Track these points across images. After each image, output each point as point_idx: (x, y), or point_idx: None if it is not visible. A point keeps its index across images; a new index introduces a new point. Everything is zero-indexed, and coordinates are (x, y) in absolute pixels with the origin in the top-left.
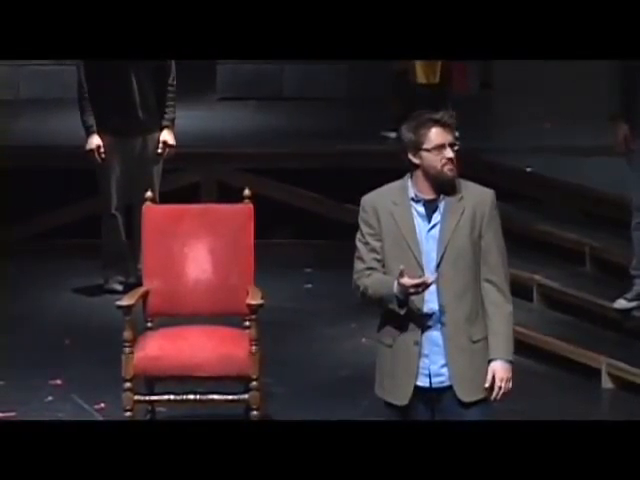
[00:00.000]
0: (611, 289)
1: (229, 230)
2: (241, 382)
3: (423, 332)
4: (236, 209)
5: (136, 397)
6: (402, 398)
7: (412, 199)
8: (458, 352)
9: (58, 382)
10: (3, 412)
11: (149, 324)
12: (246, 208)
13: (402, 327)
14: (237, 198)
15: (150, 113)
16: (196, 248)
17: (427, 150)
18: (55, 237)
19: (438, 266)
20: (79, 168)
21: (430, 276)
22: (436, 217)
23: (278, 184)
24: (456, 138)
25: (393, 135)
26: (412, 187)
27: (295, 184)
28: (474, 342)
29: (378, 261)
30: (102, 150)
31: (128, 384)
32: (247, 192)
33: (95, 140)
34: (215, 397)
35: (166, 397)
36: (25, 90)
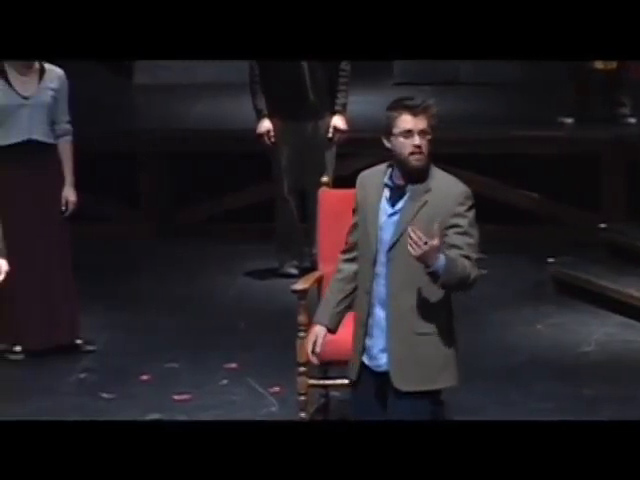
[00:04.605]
0: None
1: None
2: None
3: (371, 314)
4: None
5: (311, 381)
6: (352, 373)
7: (385, 183)
8: (398, 341)
9: (233, 365)
10: (178, 394)
11: None
12: None
13: (358, 307)
14: None
15: (321, 97)
16: None
17: (395, 135)
18: (230, 220)
19: (389, 252)
20: (255, 151)
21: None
22: (400, 204)
23: (449, 169)
24: (431, 127)
25: (570, 121)
26: (389, 171)
27: (465, 169)
28: (418, 334)
29: (350, 246)
30: (272, 134)
31: (302, 368)
32: None
33: (265, 124)
34: None
35: (340, 381)
36: (202, 74)
